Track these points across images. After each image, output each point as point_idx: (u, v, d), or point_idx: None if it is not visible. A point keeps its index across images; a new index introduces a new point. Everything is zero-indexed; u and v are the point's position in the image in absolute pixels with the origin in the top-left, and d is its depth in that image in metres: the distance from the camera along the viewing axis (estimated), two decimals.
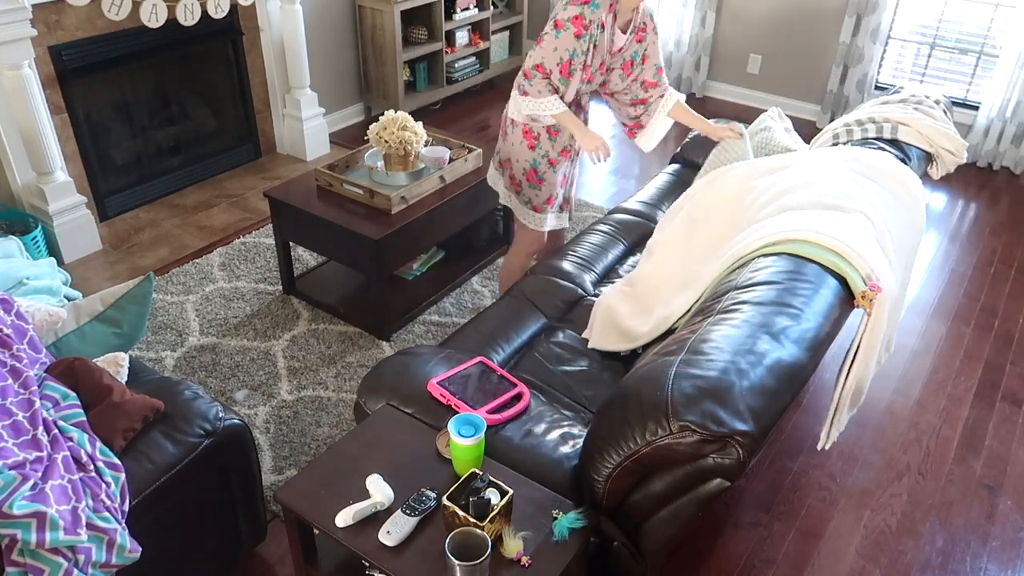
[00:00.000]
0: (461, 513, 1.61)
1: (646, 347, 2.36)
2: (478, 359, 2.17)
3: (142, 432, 1.89)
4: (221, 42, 4.15)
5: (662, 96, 2.83)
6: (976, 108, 4.68)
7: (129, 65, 3.80)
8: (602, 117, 5.15)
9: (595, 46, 2.56)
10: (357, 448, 1.89)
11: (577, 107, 2.74)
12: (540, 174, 2.78)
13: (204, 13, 3.65)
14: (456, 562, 1.51)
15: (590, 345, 2.45)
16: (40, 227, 3.41)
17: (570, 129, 2.66)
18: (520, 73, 2.63)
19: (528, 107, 2.62)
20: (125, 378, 2.09)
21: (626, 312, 2.45)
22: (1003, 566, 2.33)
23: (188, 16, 3.56)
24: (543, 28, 2.61)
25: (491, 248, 3.67)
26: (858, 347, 1.97)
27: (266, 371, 2.97)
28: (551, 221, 2.90)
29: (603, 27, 2.54)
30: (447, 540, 1.55)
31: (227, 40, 4.17)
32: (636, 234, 3.05)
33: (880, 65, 4.91)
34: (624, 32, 2.63)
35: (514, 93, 2.68)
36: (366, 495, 1.74)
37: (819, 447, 2.10)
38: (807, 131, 4.80)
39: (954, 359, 3.14)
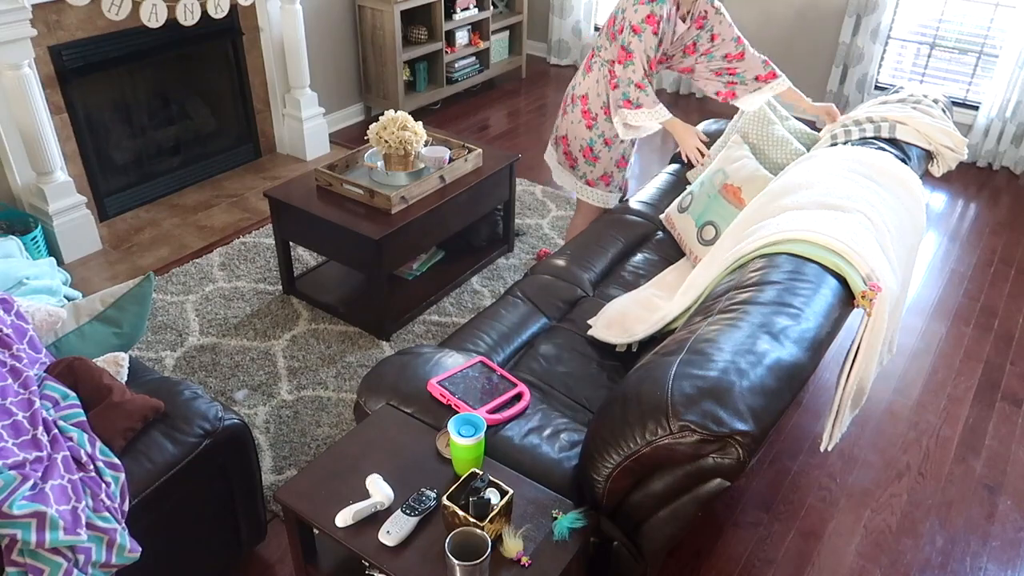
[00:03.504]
0: (461, 513, 1.61)
1: (645, 347, 2.36)
2: (478, 359, 2.17)
3: (142, 432, 1.89)
4: (221, 42, 4.15)
5: (759, 76, 2.99)
6: (976, 108, 4.68)
7: (129, 65, 3.80)
8: None
9: (660, 40, 2.74)
10: (357, 448, 1.89)
11: None
12: (596, 152, 3.02)
13: (204, 13, 3.65)
14: (456, 562, 1.51)
15: (589, 333, 2.46)
16: (40, 227, 3.41)
17: (675, 132, 2.84)
18: (628, 89, 2.76)
19: (643, 118, 2.78)
20: (125, 378, 2.08)
21: (637, 314, 2.47)
22: (1003, 566, 2.33)
23: (188, 16, 3.56)
24: (605, 33, 2.82)
25: (491, 248, 3.67)
26: (859, 347, 1.97)
27: (266, 371, 2.97)
28: (600, 197, 3.13)
29: (668, 18, 2.71)
30: (447, 540, 1.55)
31: (227, 40, 4.17)
32: (636, 234, 3.05)
33: (880, 65, 4.91)
34: (684, 21, 2.79)
35: (620, 111, 2.82)
36: (366, 495, 1.74)
37: (822, 449, 2.10)
38: None
39: (954, 359, 3.14)
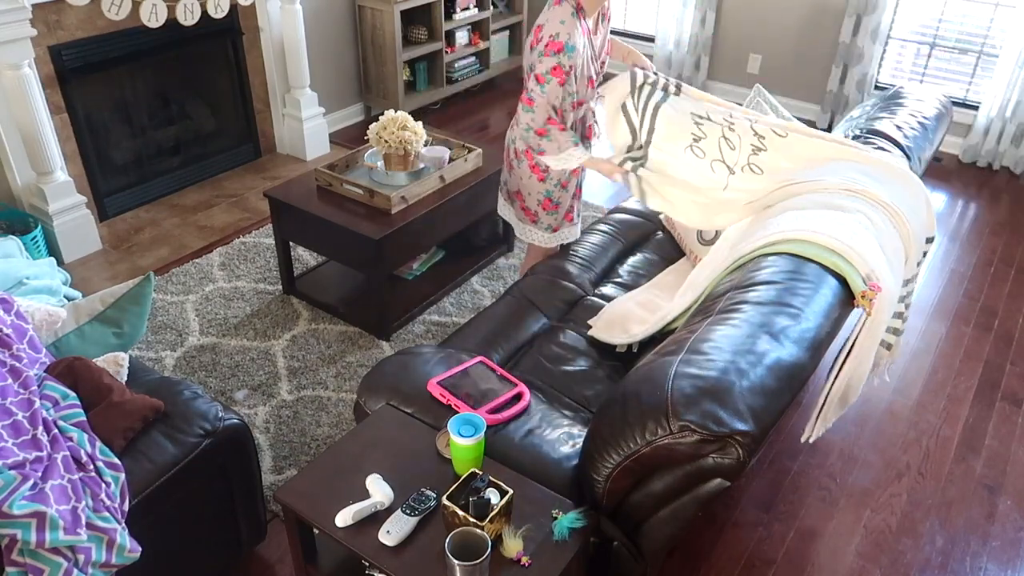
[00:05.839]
0: (461, 513, 1.61)
1: (645, 347, 2.36)
2: (478, 359, 2.17)
3: (142, 432, 1.89)
4: (221, 42, 4.15)
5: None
6: (976, 108, 4.69)
7: (129, 65, 3.80)
8: None
9: (582, 65, 2.56)
10: (357, 448, 1.89)
11: (583, 124, 2.75)
12: (556, 200, 2.77)
13: (204, 13, 3.65)
14: (456, 562, 1.51)
15: (590, 333, 2.46)
16: (40, 227, 3.41)
17: (600, 169, 2.64)
18: (527, 136, 2.58)
19: (553, 163, 2.62)
20: (125, 378, 2.08)
21: (637, 315, 2.47)
22: (1003, 566, 2.33)
23: (188, 16, 3.56)
24: (526, 76, 2.57)
25: (491, 248, 3.67)
26: (852, 346, 1.97)
27: (266, 371, 2.97)
28: (570, 234, 2.91)
29: (583, 50, 2.52)
30: (447, 540, 1.55)
31: (227, 40, 4.17)
32: (636, 234, 3.05)
33: (880, 65, 4.91)
34: (596, 33, 2.62)
35: (530, 141, 2.61)
36: (366, 495, 1.74)
37: (802, 440, 2.10)
38: None
39: (954, 359, 3.14)
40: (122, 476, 1.76)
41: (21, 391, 1.79)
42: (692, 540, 2.38)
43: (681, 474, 1.64)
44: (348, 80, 4.94)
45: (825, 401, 2.02)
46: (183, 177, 4.22)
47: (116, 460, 1.78)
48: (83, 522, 1.63)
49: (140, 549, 1.72)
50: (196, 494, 1.96)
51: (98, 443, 1.79)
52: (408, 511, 1.69)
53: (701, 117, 2.55)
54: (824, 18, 4.93)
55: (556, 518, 1.68)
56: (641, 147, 2.62)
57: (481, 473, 1.69)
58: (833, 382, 2.00)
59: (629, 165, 2.62)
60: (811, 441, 2.09)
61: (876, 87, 4.97)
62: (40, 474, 1.65)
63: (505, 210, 2.95)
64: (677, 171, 2.57)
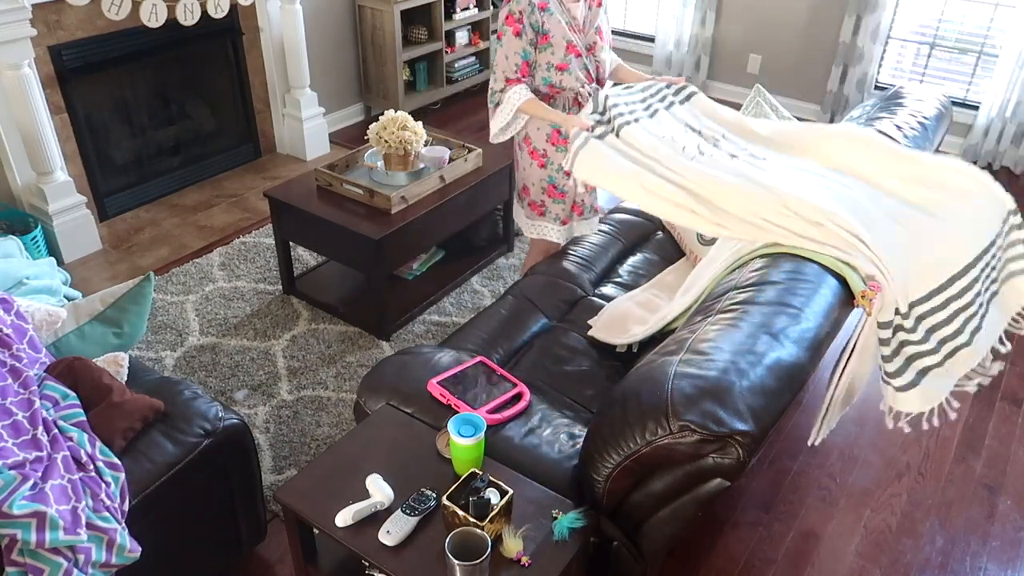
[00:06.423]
0: (461, 513, 1.61)
1: (645, 347, 2.36)
2: (478, 359, 2.17)
3: (142, 432, 1.89)
4: (221, 42, 4.15)
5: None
6: (976, 108, 4.68)
7: (129, 65, 3.80)
8: None
9: (550, 31, 2.50)
10: (357, 448, 1.89)
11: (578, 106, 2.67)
12: (560, 187, 2.79)
13: (204, 13, 3.65)
14: (456, 562, 1.51)
15: (590, 333, 2.46)
16: (40, 227, 3.41)
17: (548, 118, 2.59)
18: (492, 96, 2.65)
19: (500, 114, 2.64)
20: (125, 378, 2.08)
21: (637, 315, 2.47)
22: (1003, 566, 2.33)
23: (188, 16, 3.56)
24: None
25: (491, 248, 3.67)
26: (854, 346, 1.97)
27: (266, 371, 2.97)
28: (580, 227, 2.92)
29: (543, 8, 2.49)
30: (447, 540, 1.55)
31: (227, 40, 4.17)
32: (636, 234, 3.05)
33: (880, 65, 4.91)
34: (576, 1, 2.56)
35: (495, 116, 2.67)
36: (366, 495, 1.74)
37: (809, 443, 2.10)
38: None
39: None
40: (122, 476, 1.76)
41: (21, 391, 1.79)
42: (692, 540, 2.38)
43: (681, 474, 1.64)
44: (348, 80, 4.94)
45: (829, 403, 2.02)
46: (183, 177, 4.22)
47: (116, 460, 1.78)
48: (83, 522, 1.63)
49: (140, 549, 1.72)
50: (196, 494, 1.96)
51: (98, 443, 1.79)
52: (408, 511, 1.69)
53: (692, 129, 2.41)
54: (824, 18, 4.93)
55: (556, 518, 1.68)
56: (610, 121, 2.39)
57: (481, 473, 1.69)
58: (836, 384, 2.00)
59: (598, 129, 2.36)
60: (816, 443, 2.10)
61: (876, 87, 4.97)
62: (40, 474, 1.65)
63: (517, 212, 2.98)
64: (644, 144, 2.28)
